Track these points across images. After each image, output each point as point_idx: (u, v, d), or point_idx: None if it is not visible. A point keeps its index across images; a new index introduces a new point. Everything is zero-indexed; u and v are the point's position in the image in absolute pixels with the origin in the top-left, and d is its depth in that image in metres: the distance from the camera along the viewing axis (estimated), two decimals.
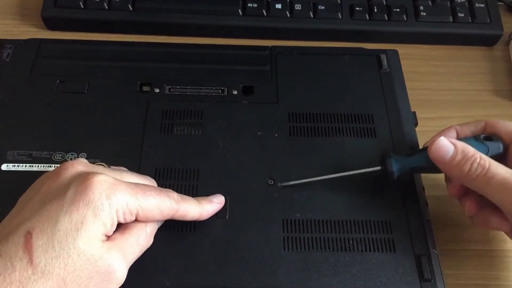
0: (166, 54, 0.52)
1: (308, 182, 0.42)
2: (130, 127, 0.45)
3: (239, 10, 0.57)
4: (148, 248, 0.37)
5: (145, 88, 0.49)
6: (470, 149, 0.38)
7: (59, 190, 0.33)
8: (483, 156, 0.38)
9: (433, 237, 0.41)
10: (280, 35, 0.58)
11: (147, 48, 0.52)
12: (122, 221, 0.34)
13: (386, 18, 0.58)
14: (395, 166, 0.41)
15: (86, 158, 0.43)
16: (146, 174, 0.41)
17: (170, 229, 0.39)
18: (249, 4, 0.58)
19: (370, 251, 0.40)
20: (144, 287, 0.37)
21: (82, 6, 0.57)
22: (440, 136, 0.39)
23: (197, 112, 0.46)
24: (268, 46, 0.52)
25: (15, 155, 0.43)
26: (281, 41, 0.57)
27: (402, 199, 0.42)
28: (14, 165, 0.42)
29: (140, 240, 0.35)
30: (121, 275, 0.34)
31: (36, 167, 0.42)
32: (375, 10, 0.58)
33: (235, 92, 0.48)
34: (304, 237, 0.40)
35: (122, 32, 0.58)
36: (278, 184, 0.42)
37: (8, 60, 0.50)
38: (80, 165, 0.35)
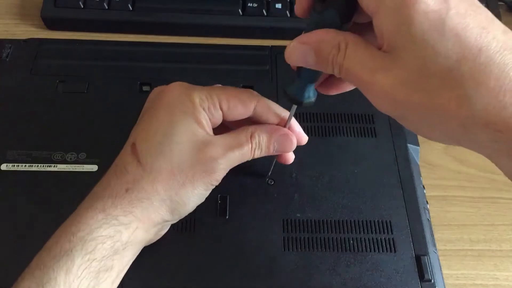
0: (166, 54, 0.52)
1: None
2: (130, 127, 0.45)
3: (239, 10, 0.57)
4: (148, 248, 0.37)
5: (145, 88, 0.49)
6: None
7: (148, 105, 0.38)
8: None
9: (433, 237, 0.41)
10: (280, 35, 0.58)
11: (147, 48, 0.52)
12: (209, 114, 0.36)
13: None
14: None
15: (86, 158, 0.43)
16: None
17: (170, 229, 0.39)
18: (249, 4, 0.57)
19: (370, 251, 0.40)
20: (144, 287, 0.37)
21: (82, 6, 0.57)
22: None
23: None
24: (268, 46, 0.52)
25: (15, 155, 0.43)
26: (281, 41, 0.57)
27: (403, 199, 0.42)
28: (14, 165, 0.42)
29: (241, 142, 0.37)
30: (220, 169, 0.36)
31: (36, 167, 0.42)
32: None
33: None
34: (304, 237, 0.40)
35: (122, 32, 0.58)
36: None
37: (8, 60, 0.49)
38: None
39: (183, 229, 0.40)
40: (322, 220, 0.41)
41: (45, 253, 0.33)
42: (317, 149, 0.45)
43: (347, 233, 0.40)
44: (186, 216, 0.40)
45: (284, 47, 0.52)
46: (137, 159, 0.35)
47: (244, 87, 0.48)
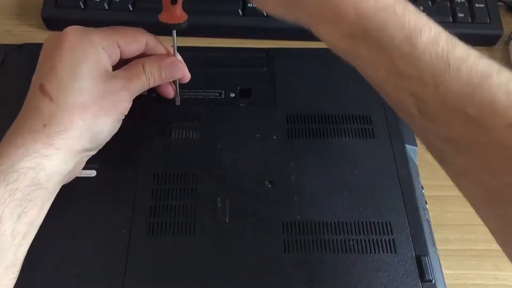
0: None
1: None
2: (128, 131, 0.45)
3: (239, 10, 0.57)
4: (149, 251, 0.38)
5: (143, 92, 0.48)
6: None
7: (47, 53, 0.39)
8: None
9: (433, 237, 0.41)
10: (280, 35, 0.58)
11: None
12: (109, 52, 0.40)
13: None
14: None
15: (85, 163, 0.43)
16: (145, 178, 0.42)
17: (171, 232, 0.39)
18: (249, 4, 0.57)
19: (370, 252, 0.40)
20: None
21: (82, 6, 0.57)
22: None
23: (195, 115, 0.46)
24: (264, 48, 0.52)
25: None
26: (281, 42, 0.57)
27: (402, 199, 0.42)
28: None
29: (137, 72, 0.41)
30: (127, 98, 0.40)
31: None
32: None
33: (232, 95, 0.48)
34: (304, 239, 0.40)
35: None
36: None
37: (2, 65, 0.49)
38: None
39: (183, 232, 0.40)
40: (322, 222, 0.41)
41: None
42: (315, 151, 0.45)
43: (347, 234, 0.40)
44: (185, 219, 0.40)
45: (281, 49, 0.53)
46: (49, 97, 0.37)
47: (242, 90, 0.48)
